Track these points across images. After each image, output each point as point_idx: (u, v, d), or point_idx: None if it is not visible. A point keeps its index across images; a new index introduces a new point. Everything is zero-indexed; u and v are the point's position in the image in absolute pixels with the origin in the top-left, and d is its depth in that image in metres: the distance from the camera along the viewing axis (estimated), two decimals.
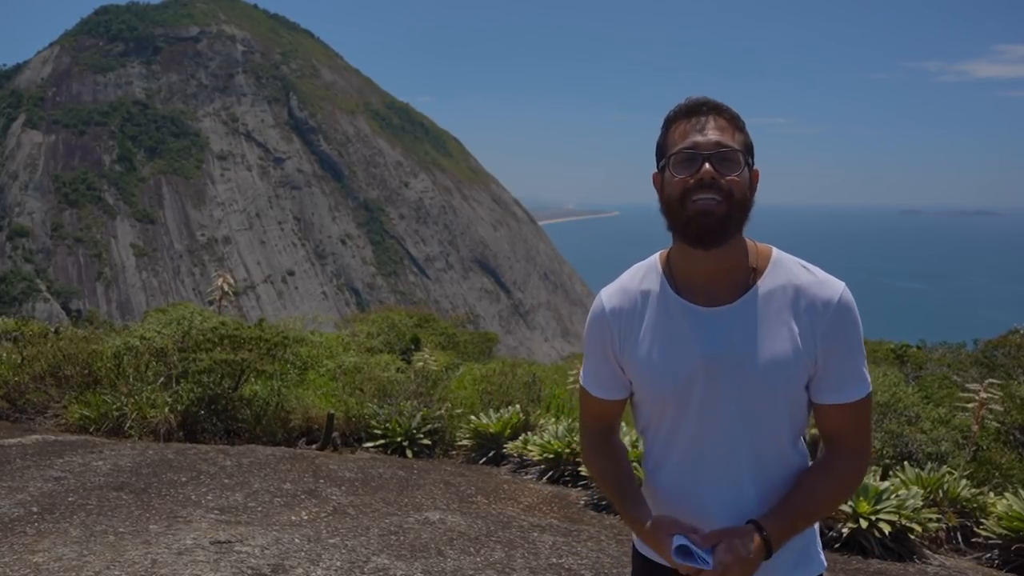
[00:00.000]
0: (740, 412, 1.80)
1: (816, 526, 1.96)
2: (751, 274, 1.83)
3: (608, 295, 1.95)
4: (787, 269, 1.84)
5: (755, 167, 1.84)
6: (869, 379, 1.83)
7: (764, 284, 1.82)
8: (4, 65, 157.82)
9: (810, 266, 1.86)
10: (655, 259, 1.95)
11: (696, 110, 1.80)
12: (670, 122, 1.84)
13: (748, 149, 1.81)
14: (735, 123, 1.81)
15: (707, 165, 1.73)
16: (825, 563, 1.97)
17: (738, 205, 1.76)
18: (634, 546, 2.09)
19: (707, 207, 1.73)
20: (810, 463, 1.92)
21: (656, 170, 1.86)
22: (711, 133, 1.76)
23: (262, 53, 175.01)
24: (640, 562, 2.06)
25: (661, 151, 1.85)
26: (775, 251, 1.88)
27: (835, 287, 1.80)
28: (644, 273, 1.93)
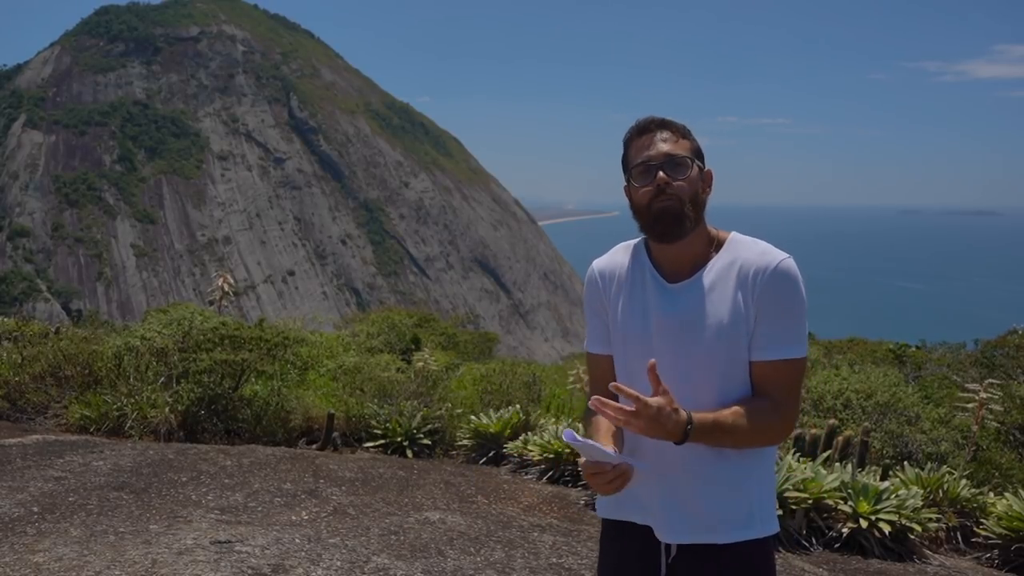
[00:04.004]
0: (691, 372, 2.07)
1: (767, 494, 2.13)
2: (709, 255, 2.13)
3: (598, 262, 2.30)
4: (738, 246, 2.12)
5: (707, 168, 2.15)
6: (805, 347, 2.08)
7: (718, 261, 2.11)
8: (4, 65, 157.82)
9: (761, 243, 2.13)
10: (640, 239, 2.26)
11: (646, 128, 2.13)
12: (627, 142, 2.16)
13: (696, 153, 2.13)
14: (680, 133, 2.12)
15: (660, 173, 2.06)
16: (777, 527, 2.15)
17: (691, 202, 2.07)
18: (597, 512, 2.32)
19: (664, 206, 2.05)
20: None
21: (625, 183, 2.16)
22: (660, 145, 2.09)
23: (262, 53, 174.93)
24: (604, 524, 2.29)
25: (625, 165, 2.16)
26: (732, 234, 2.17)
27: (775, 256, 2.06)
28: (628, 248, 2.27)
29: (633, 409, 1.89)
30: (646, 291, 2.15)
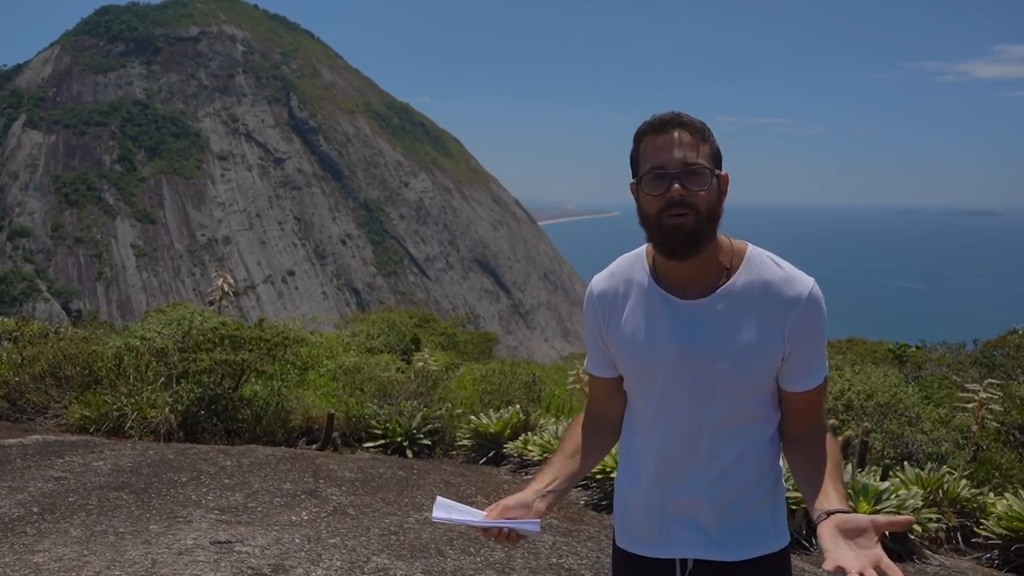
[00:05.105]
0: (707, 398, 1.94)
1: (779, 508, 2.08)
2: (725, 272, 1.96)
3: (597, 281, 2.11)
4: (759, 265, 1.95)
5: (724, 172, 1.95)
6: (826, 365, 1.99)
7: (737, 280, 1.94)
8: (4, 65, 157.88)
9: (781, 262, 1.97)
10: (643, 250, 2.07)
11: (662, 126, 1.90)
12: (640, 137, 1.94)
13: (715, 159, 1.92)
14: (700, 135, 1.90)
15: (676, 184, 1.85)
16: (788, 539, 2.08)
17: (706, 217, 1.88)
18: (614, 540, 2.20)
19: (678, 222, 1.85)
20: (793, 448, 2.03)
21: (633, 181, 1.97)
22: (677, 151, 1.87)
23: (262, 53, 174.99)
24: (617, 553, 2.18)
25: (634, 164, 1.97)
26: (749, 248, 1.99)
27: (804, 283, 1.92)
28: (631, 262, 2.08)
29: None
30: (654, 312, 1.98)
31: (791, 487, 5.66)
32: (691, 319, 1.94)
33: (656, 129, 1.91)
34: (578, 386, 8.85)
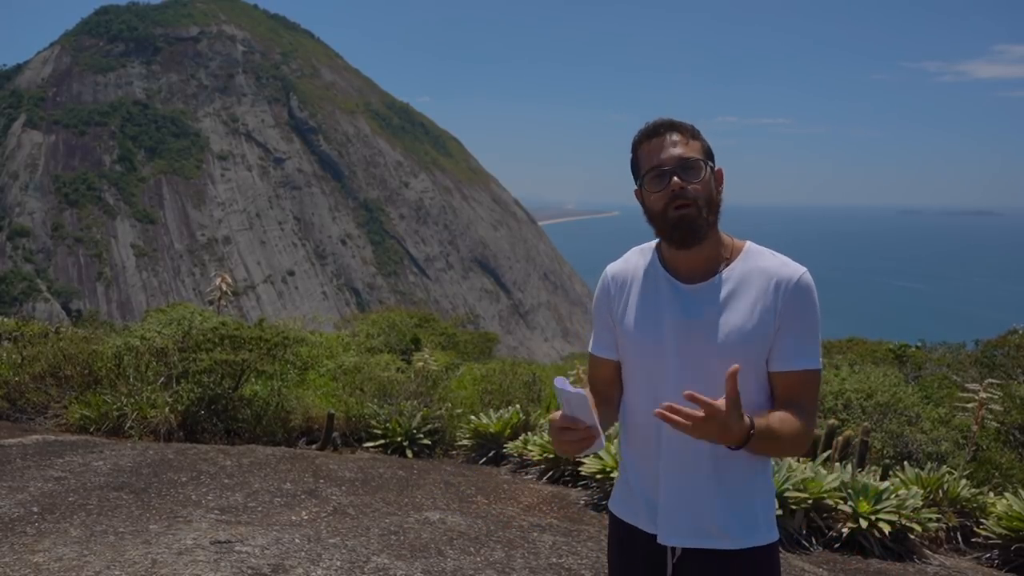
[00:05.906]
0: (706, 376, 2.03)
1: (769, 502, 2.15)
2: (725, 261, 2.13)
3: (612, 267, 2.30)
4: (756, 255, 2.13)
5: (717, 167, 2.13)
6: (820, 360, 2.09)
7: (736, 267, 2.11)
8: (4, 65, 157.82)
9: (777, 254, 2.13)
10: (652, 243, 2.26)
11: (655, 131, 2.11)
12: (636, 145, 2.14)
13: (707, 154, 2.11)
14: (690, 134, 2.10)
15: (675, 178, 2.04)
16: (778, 535, 2.16)
17: (707, 206, 2.06)
18: (609, 509, 2.31)
19: (682, 214, 2.04)
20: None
21: (636, 187, 2.16)
22: (672, 149, 2.07)
23: (262, 53, 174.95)
24: (613, 522, 2.29)
25: (635, 169, 2.16)
26: (749, 243, 2.17)
27: (796, 269, 2.07)
28: (641, 253, 2.27)
29: (703, 414, 1.83)
30: (659, 294, 2.14)
31: (791, 487, 5.67)
32: (692, 300, 2.10)
33: (650, 135, 2.11)
34: (578, 385, 8.85)
